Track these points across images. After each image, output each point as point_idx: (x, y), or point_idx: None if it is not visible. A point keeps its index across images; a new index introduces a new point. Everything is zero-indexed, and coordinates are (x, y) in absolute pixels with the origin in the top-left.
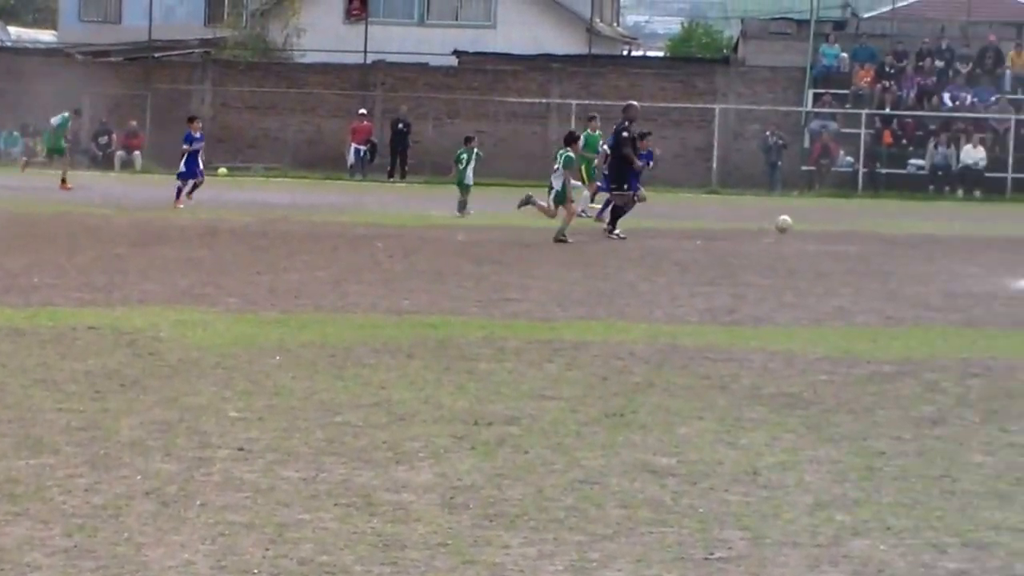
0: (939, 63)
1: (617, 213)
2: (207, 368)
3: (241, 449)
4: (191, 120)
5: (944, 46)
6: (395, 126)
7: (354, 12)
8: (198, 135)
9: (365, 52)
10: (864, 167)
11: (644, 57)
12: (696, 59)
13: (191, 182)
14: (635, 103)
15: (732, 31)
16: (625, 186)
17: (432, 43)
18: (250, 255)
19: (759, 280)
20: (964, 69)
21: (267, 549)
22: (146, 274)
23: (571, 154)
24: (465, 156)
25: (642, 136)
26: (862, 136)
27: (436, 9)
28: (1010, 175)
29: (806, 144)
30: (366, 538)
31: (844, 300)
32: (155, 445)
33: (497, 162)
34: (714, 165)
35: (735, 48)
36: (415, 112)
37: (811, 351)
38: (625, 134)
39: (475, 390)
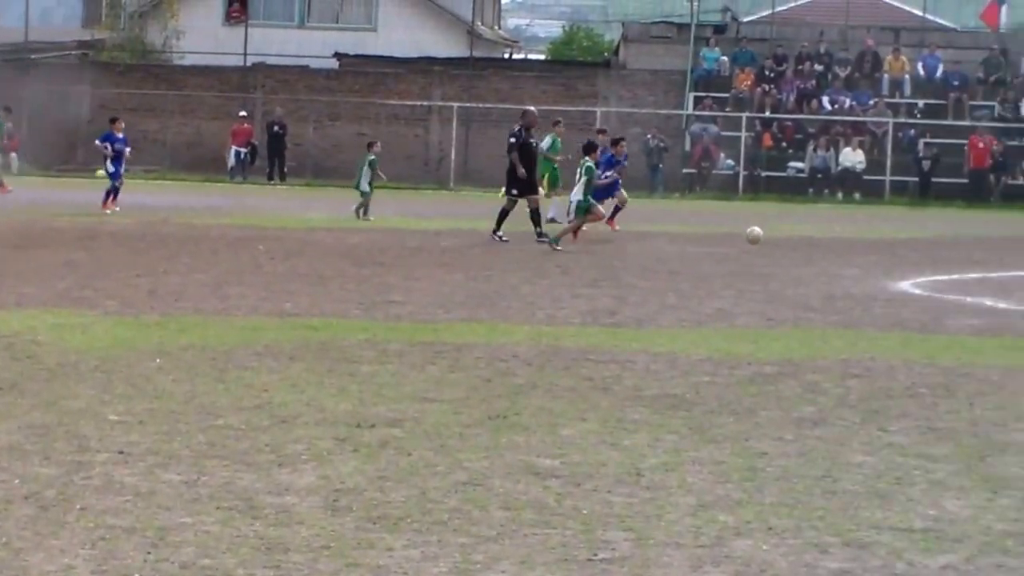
0: (818, 67)
1: (503, 216)
2: (86, 371)
3: (121, 452)
4: (113, 121)
5: (823, 50)
6: (270, 128)
7: (234, 14)
8: (120, 136)
9: (245, 54)
10: (744, 170)
11: (525, 60)
12: (577, 62)
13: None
14: (532, 108)
15: (613, 35)
16: (514, 191)
17: (313, 46)
18: (130, 258)
19: (641, 282)
20: (843, 73)
21: (148, 553)
22: (23, 277)
23: (592, 164)
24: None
25: (616, 142)
26: (742, 139)
27: (317, 12)
28: (888, 178)
29: (687, 147)
30: (248, 541)
31: (725, 302)
32: (33, 449)
33: (379, 165)
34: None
35: (616, 51)
36: (296, 115)
37: (693, 352)
38: (512, 140)
39: (358, 392)
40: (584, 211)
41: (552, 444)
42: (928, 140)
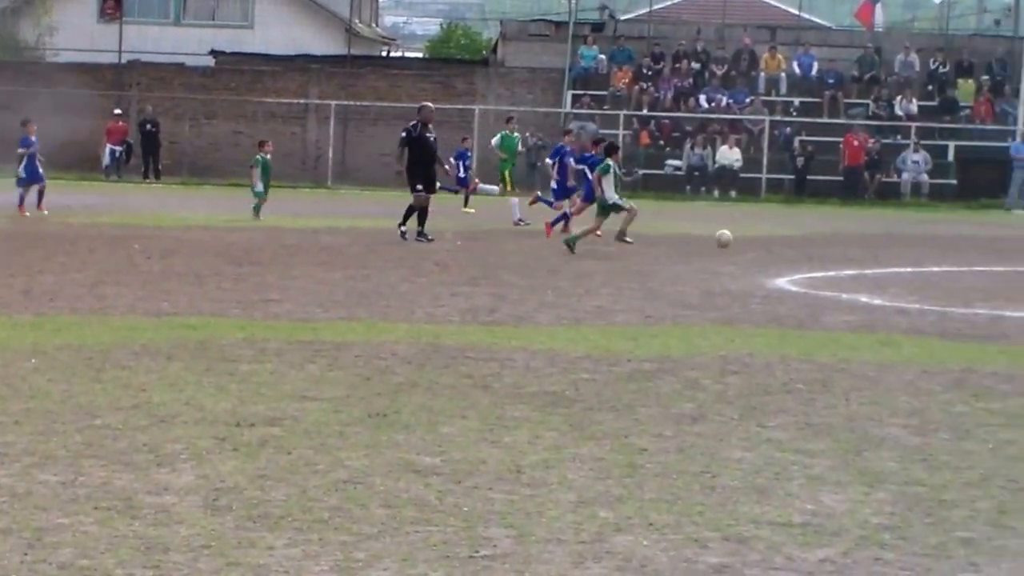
0: (695, 65)
1: (410, 213)
2: None
3: None
4: (25, 123)
5: (700, 48)
6: (143, 127)
7: (108, 11)
8: (33, 138)
9: (120, 52)
10: (622, 167)
11: (403, 58)
12: (456, 60)
13: (35, 187)
14: (429, 104)
15: (491, 33)
16: (419, 187)
17: (189, 43)
18: (3, 258)
19: (519, 280)
20: (720, 71)
21: (25, 554)
22: None
23: (611, 163)
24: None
25: (596, 142)
26: (620, 137)
27: (192, 9)
28: (764, 175)
29: None
30: (127, 541)
31: (604, 299)
32: None
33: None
34: (474, 165)
35: (494, 49)
36: (172, 113)
37: (572, 350)
38: (404, 134)
39: (236, 391)
40: (607, 211)
41: (432, 442)
42: (804, 138)
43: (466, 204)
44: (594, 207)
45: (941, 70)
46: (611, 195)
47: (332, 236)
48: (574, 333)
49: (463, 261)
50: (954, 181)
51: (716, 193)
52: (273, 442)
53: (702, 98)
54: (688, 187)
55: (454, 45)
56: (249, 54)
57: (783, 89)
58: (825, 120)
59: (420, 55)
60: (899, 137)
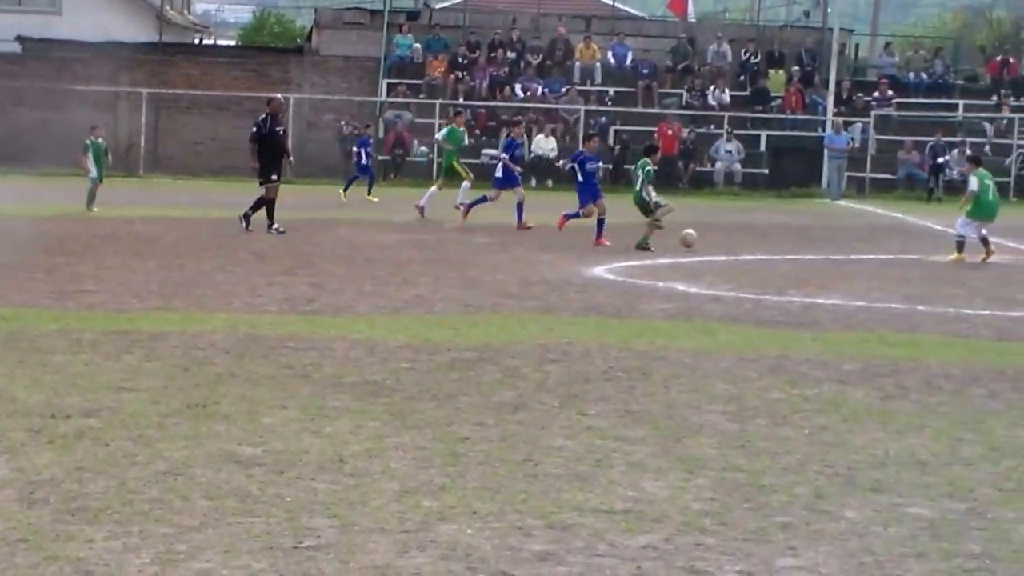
0: (511, 54)
1: (260, 204)
2: None
3: None
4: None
5: (516, 38)
6: None
7: None
8: None
9: None
10: (438, 157)
11: (216, 46)
12: (269, 48)
13: None
14: (278, 96)
15: (305, 20)
16: (274, 177)
17: None
18: None
19: (337, 269)
20: (535, 60)
21: None
22: None
23: (650, 165)
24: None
25: (588, 138)
26: (436, 126)
27: None
28: None
29: (381, 134)
30: None
31: (423, 289)
32: None
33: (69, 152)
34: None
35: (309, 37)
36: None
37: (392, 339)
38: (255, 129)
39: (51, 383)
40: (648, 209)
41: (253, 432)
42: (619, 127)
43: (370, 192)
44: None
45: (752, 60)
46: (652, 195)
47: (146, 225)
48: (393, 322)
49: (280, 251)
50: (766, 170)
51: (533, 182)
52: (90, 434)
53: (518, 87)
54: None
55: (268, 33)
56: (58, 40)
57: (598, 79)
58: (640, 110)
59: (233, 43)
60: (712, 127)
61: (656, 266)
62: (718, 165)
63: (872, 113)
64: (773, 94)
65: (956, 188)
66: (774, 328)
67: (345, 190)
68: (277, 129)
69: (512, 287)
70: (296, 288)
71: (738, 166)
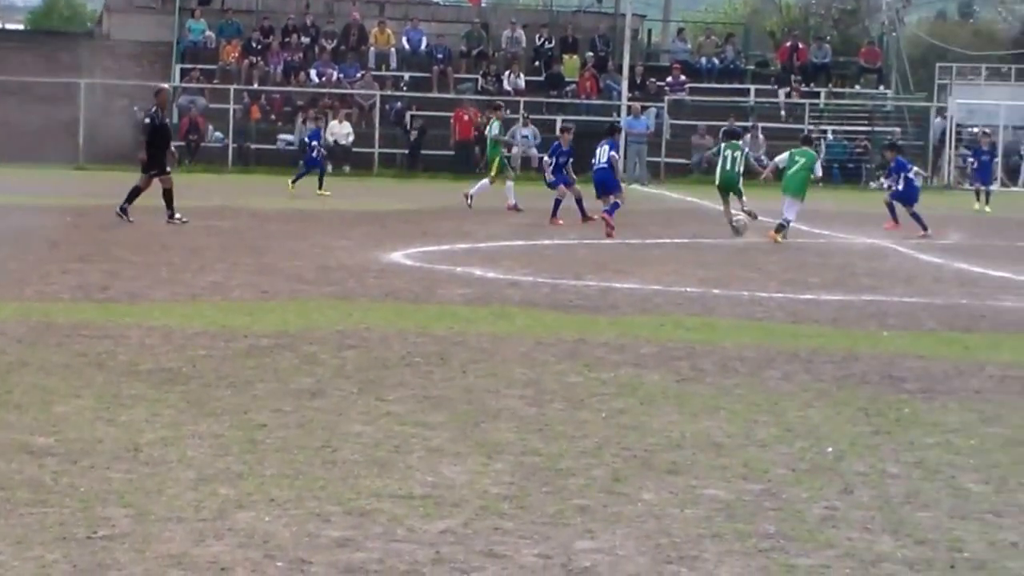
0: (305, 39)
1: (134, 195)
2: None
3: None
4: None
5: (310, 23)
6: None
7: None
8: None
9: None
10: (234, 142)
11: (4, 30)
12: (59, 32)
13: None
14: (166, 87)
15: (95, 5)
16: (168, 169)
17: None
18: None
19: (132, 256)
20: (330, 45)
21: None
22: None
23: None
24: None
25: (564, 131)
26: (231, 111)
27: None
28: (377, 150)
29: (175, 119)
30: None
31: (219, 275)
32: None
33: None
34: (81, 142)
35: (99, 22)
36: None
37: (188, 326)
38: (148, 120)
39: None
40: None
41: (46, 422)
42: (415, 112)
43: (320, 186)
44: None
45: (547, 46)
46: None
47: None
48: (190, 309)
49: (74, 238)
50: None
51: (329, 167)
52: None
53: (313, 73)
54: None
55: (57, 17)
56: None
57: (393, 64)
58: (435, 95)
59: (21, 27)
60: (508, 112)
61: (454, 251)
62: (515, 150)
63: (666, 98)
64: (567, 79)
65: (750, 172)
66: (572, 312)
67: (294, 182)
68: (166, 122)
69: (309, 273)
70: (90, 275)
71: (534, 151)
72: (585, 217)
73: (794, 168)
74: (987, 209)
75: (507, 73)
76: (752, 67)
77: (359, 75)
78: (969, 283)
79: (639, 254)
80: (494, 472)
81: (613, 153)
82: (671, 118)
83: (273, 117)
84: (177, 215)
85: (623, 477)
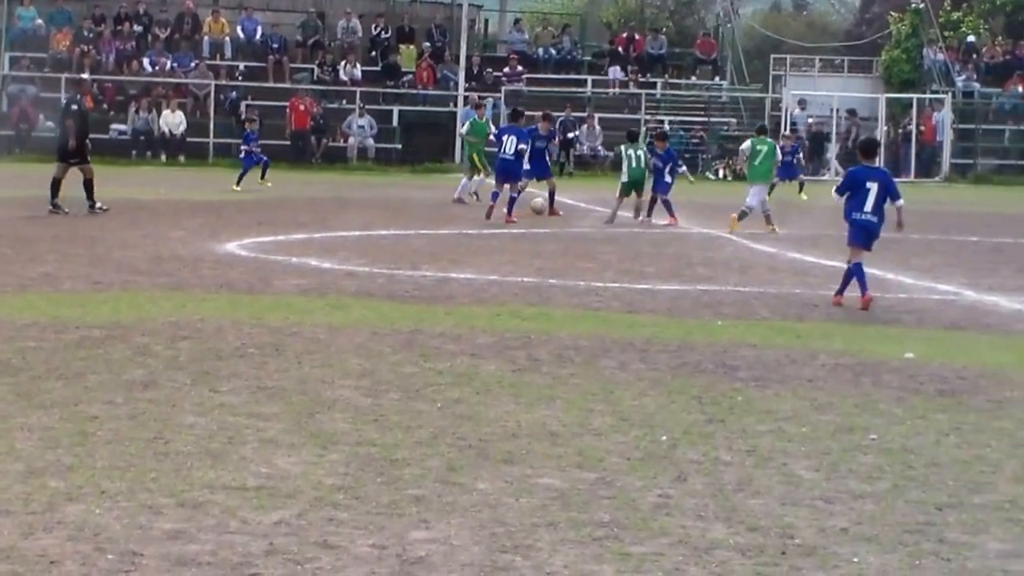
0: (137, 28)
1: (57, 186)
2: None
3: None
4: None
5: (142, 11)
6: None
7: None
8: None
9: None
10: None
11: None
12: None
13: None
14: (85, 76)
15: None
16: (73, 160)
17: None
18: None
19: None
20: (163, 34)
21: None
22: None
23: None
24: None
25: (545, 117)
26: (62, 100)
27: None
28: (212, 140)
29: (4, 108)
30: None
31: (50, 266)
32: None
33: None
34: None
35: None
36: None
37: (18, 317)
38: (74, 107)
39: None
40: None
41: None
42: (250, 102)
43: (263, 177)
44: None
45: (383, 36)
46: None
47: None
48: (20, 300)
49: None
50: (399, 145)
51: (163, 157)
52: None
53: (146, 62)
54: (134, 152)
55: None
56: None
57: (228, 53)
58: (271, 84)
59: None
60: (344, 102)
61: (289, 241)
62: (351, 140)
63: (503, 88)
64: (404, 69)
65: (586, 163)
66: (408, 303)
67: (238, 183)
68: (86, 110)
69: (143, 264)
70: None
71: (371, 141)
72: (552, 211)
73: (759, 158)
74: (804, 197)
75: (343, 63)
76: (589, 58)
77: (193, 64)
78: (802, 273)
79: (476, 244)
80: (329, 463)
81: (523, 145)
82: (508, 108)
83: (106, 106)
84: (99, 204)
85: (458, 467)
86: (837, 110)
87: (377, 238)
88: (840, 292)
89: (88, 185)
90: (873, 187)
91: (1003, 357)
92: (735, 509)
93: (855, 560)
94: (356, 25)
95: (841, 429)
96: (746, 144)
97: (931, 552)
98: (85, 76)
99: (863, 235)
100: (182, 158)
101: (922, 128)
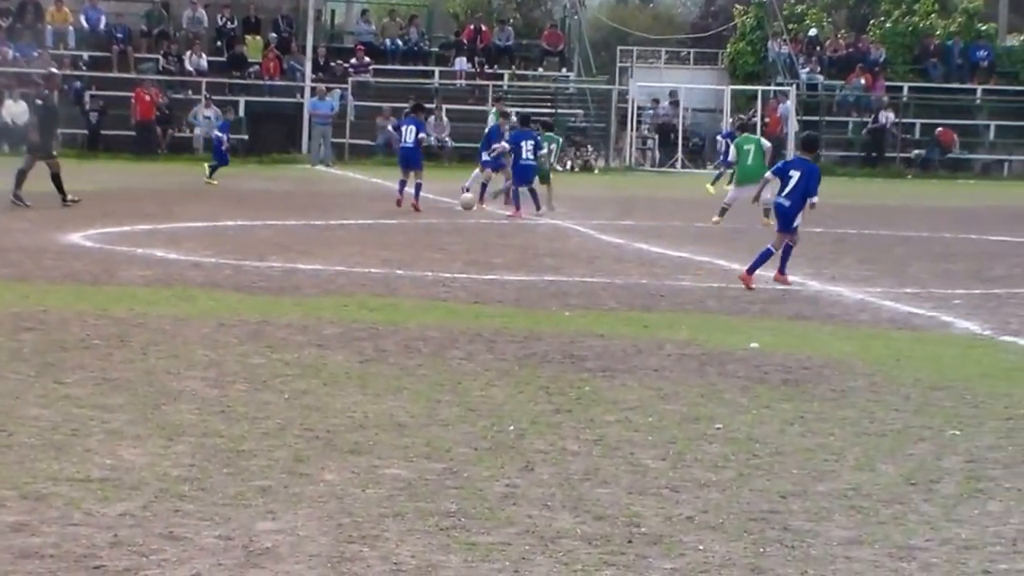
0: None
1: (22, 179)
2: None
3: None
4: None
5: None
6: None
7: None
8: None
9: None
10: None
11: None
12: None
13: None
14: (56, 71)
15: None
16: (54, 153)
17: None
18: None
19: None
20: (5, 23)
21: None
22: None
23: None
24: None
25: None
26: None
27: None
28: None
29: None
30: None
31: None
32: None
33: None
34: None
35: None
36: None
37: None
38: (40, 103)
39: None
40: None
41: None
42: (95, 92)
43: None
44: None
45: (229, 26)
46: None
47: None
48: None
49: None
50: (246, 136)
51: (6, 148)
52: None
53: None
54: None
55: None
56: None
57: (72, 43)
58: (115, 75)
59: None
60: (190, 92)
61: (135, 232)
62: (197, 131)
63: (350, 80)
64: (251, 60)
65: (433, 155)
66: (255, 294)
67: (211, 175)
68: (55, 105)
69: None
70: None
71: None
72: (481, 199)
73: (750, 158)
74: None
75: (189, 53)
76: (436, 49)
77: (36, 54)
78: (649, 263)
79: (323, 235)
80: (174, 454)
81: (423, 135)
82: (355, 100)
83: None
84: (70, 196)
85: (305, 458)
86: (673, 104)
87: (224, 229)
88: (781, 270)
89: (56, 179)
90: (795, 176)
91: (846, 347)
92: (582, 498)
93: (700, 548)
94: (202, 15)
95: (687, 418)
96: (730, 151)
97: (775, 540)
98: (55, 70)
99: (779, 218)
100: (24, 149)
101: (767, 120)
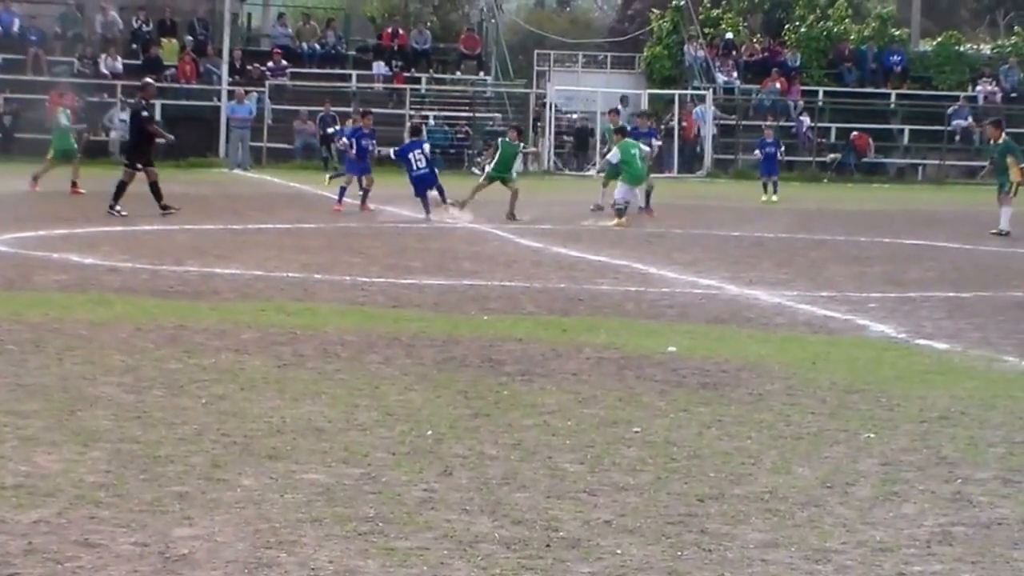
0: None
1: (121, 189)
2: None
3: None
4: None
5: None
6: None
7: None
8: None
9: None
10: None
11: None
12: None
13: None
14: (151, 81)
15: None
16: (138, 164)
17: None
18: None
19: None
20: None
21: None
22: None
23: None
24: None
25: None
26: None
27: None
28: None
29: None
30: None
31: None
32: None
33: None
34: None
35: None
36: None
37: None
38: (146, 114)
39: None
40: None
41: None
42: (8, 96)
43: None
44: None
45: (144, 29)
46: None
47: None
48: None
49: None
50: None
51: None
52: None
53: None
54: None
55: None
56: None
57: None
58: (29, 78)
59: None
60: (106, 95)
61: (50, 237)
62: (113, 134)
63: (267, 83)
64: (167, 63)
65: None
66: (172, 298)
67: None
68: (152, 114)
69: None
70: None
71: (127, 136)
72: (364, 205)
73: (638, 160)
74: (774, 199)
75: (104, 56)
76: (353, 52)
77: None
78: (567, 267)
79: (241, 239)
80: (90, 460)
81: (344, 140)
82: (272, 103)
83: None
84: (171, 206)
85: (222, 463)
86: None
87: (140, 233)
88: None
89: (154, 188)
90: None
91: (764, 350)
92: (500, 503)
93: (618, 552)
94: (116, 18)
95: (605, 422)
96: (614, 153)
97: (693, 543)
98: (150, 80)
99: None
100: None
101: (684, 124)
